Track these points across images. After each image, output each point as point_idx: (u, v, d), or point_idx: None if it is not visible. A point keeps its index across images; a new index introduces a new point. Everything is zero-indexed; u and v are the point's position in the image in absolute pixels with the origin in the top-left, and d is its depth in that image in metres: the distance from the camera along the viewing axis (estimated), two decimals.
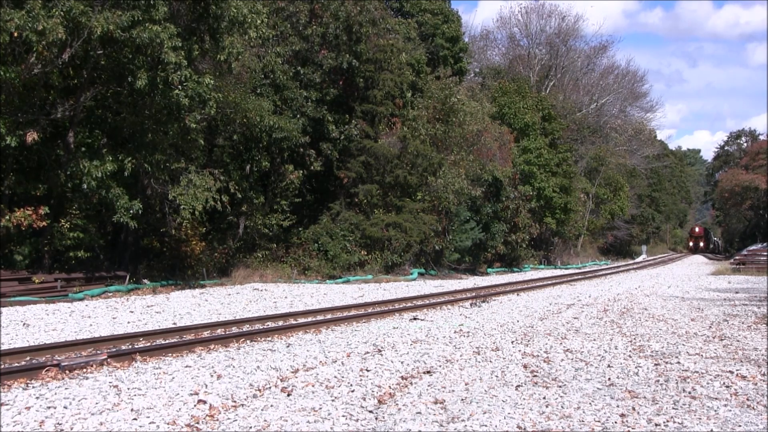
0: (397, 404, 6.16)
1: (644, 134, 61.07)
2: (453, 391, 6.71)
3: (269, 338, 9.89)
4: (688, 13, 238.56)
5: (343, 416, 5.72)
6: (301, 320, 11.90)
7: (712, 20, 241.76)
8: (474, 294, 17.73)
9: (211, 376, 7.18)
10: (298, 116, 23.30)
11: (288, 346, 9.14)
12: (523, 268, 36.86)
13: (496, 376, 7.41)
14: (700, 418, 5.81)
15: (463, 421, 5.64)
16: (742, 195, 61.28)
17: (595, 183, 52.19)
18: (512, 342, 9.77)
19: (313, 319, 12.13)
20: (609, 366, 8.05)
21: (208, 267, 20.63)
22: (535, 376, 7.46)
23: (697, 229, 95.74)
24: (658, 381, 7.26)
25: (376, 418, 5.70)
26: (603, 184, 53.50)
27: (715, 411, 6.07)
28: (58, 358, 7.81)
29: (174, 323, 11.52)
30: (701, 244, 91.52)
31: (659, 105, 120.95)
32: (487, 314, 13.37)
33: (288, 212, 24.07)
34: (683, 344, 9.73)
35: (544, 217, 40.02)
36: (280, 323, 11.34)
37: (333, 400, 6.22)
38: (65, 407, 5.82)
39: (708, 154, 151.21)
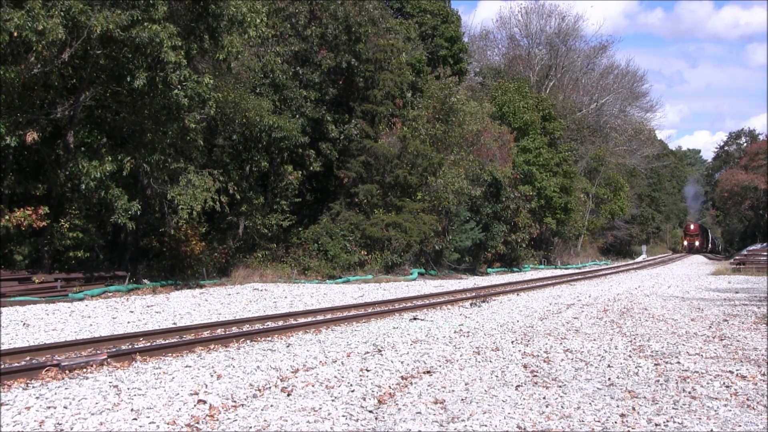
0: (397, 404, 6.15)
1: (644, 134, 61.04)
2: (453, 391, 6.70)
3: (269, 338, 9.88)
4: (688, 13, 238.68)
5: (343, 416, 5.72)
6: (301, 320, 11.90)
7: (712, 21, 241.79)
8: (474, 294, 17.72)
9: (211, 376, 7.17)
10: (298, 116, 23.29)
11: (288, 346, 9.14)
12: (523, 268, 36.85)
13: (496, 376, 7.41)
14: (700, 418, 5.81)
15: (463, 421, 5.64)
16: (741, 195, 61.27)
17: (595, 183, 52.18)
18: (512, 342, 9.77)
19: (313, 319, 12.13)
20: (609, 366, 8.05)
21: (208, 267, 20.62)
22: (535, 376, 7.45)
23: (692, 227, 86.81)
24: (658, 381, 7.26)
25: (376, 418, 5.70)
26: (603, 184, 53.50)
27: (715, 411, 6.07)
28: (58, 358, 7.80)
29: (174, 323, 11.52)
30: (697, 243, 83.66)
31: (659, 105, 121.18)
32: (487, 314, 13.37)
33: (288, 212, 24.05)
34: (683, 344, 9.73)
35: (544, 217, 40.01)
36: (280, 323, 11.34)
37: (333, 400, 6.22)
38: (65, 407, 5.82)
39: (708, 154, 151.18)
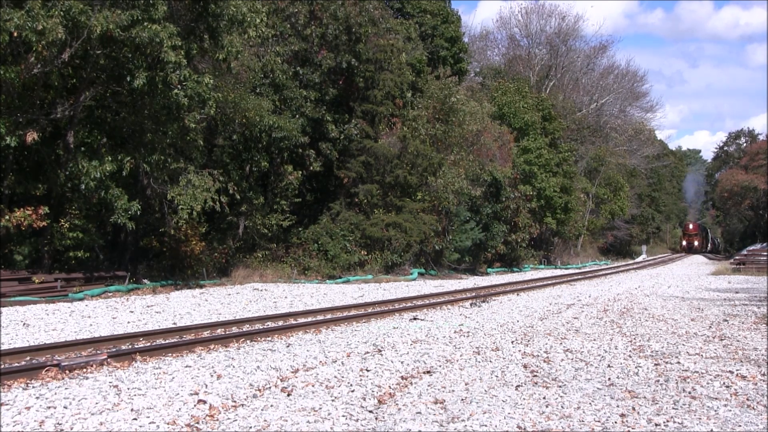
0: (397, 404, 6.15)
1: (644, 134, 61.06)
2: (453, 391, 6.70)
3: (269, 338, 9.88)
4: (688, 13, 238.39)
5: (343, 416, 5.72)
6: (301, 320, 11.90)
7: (712, 21, 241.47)
8: (474, 294, 17.72)
9: (211, 376, 7.17)
10: (298, 116, 23.29)
11: (288, 346, 9.14)
12: (523, 268, 36.85)
13: (496, 376, 7.41)
14: (700, 418, 5.81)
15: (463, 421, 5.64)
16: (741, 195, 61.28)
17: (595, 183, 52.19)
18: (512, 342, 9.77)
19: (313, 319, 12.13)
20: (609, 366, 8.05)
21: (208, 267, 20.61)
22: (535, 376, 7.45)
23: (691, 226, 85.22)
24: (658, 381, 7.26)
25: (376, 418, 5.70)
26: (603, 184, 53.51)
27: (715, 411, 6.07)
28: (58, 358, 7.80)
29: (174, 323, 11.52)
30: (696, 243, 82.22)
31: (659, 105, 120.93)
32: (487, 314, 13.37)
33: (288, 212, 24.05)
34: (683, 344, 9.73)
35: (544, 217, 40.01)
36: (280, 323, 11.34)
37: (333, 400, 6.22)
38: (65, 407, 5.82)
39: (708, 154, 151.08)
